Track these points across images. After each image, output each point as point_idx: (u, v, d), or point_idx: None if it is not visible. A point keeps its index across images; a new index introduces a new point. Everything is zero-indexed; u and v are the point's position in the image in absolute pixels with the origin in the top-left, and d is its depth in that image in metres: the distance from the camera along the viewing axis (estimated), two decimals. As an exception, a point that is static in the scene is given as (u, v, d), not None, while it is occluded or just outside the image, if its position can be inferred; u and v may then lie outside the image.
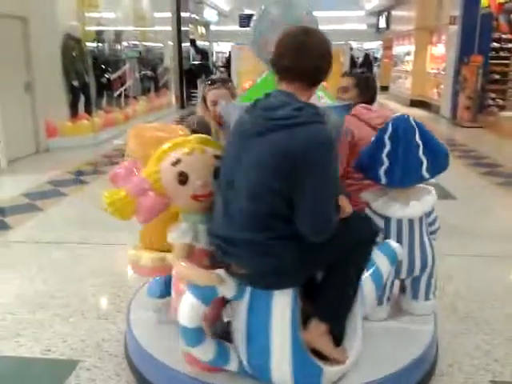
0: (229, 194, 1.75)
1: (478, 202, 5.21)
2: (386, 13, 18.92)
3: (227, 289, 1.81)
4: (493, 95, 11.17)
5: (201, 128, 2.52)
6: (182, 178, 1.89)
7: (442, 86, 12.36)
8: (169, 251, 2.20)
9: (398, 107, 13.94)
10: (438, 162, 2.25)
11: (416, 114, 11.50)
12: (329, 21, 18.41)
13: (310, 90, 1.76)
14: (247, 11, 17.98)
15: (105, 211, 1.97)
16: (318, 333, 1.88)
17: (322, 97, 2.19)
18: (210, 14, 20.05)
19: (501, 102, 11.15)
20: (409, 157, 2.18)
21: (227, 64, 20.87)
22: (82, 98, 8.39)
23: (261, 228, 1.69)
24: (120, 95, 10.49)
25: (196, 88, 14.44)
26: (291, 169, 1.61)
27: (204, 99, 2.72)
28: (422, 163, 2.19)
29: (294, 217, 1.67)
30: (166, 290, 2.48)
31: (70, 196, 5.29)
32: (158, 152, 1.97)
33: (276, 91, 1.75)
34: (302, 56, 1.67)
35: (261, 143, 1.65)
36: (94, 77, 8.90)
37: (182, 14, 15.20)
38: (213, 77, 2.83)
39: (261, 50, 2.21)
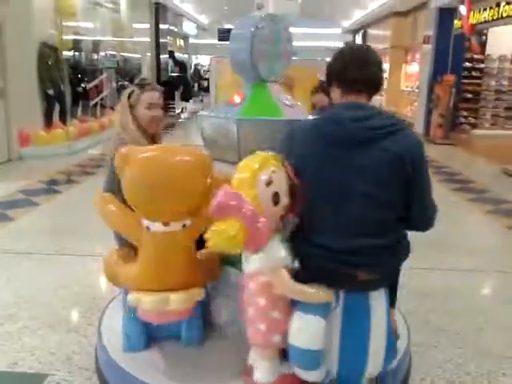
0: (340, 205, 1.74)
1: (450, 217, 5.29)
2: (362, 31, 19.29)
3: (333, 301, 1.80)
4: (465, 113, 11.47)
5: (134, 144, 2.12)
6: (276, 199, 1.77)
7: (415, 104, 12.63)
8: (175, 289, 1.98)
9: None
10: None
11: (391, 130, 11.62)
12: (307, 37, 18.70)
13: (370, 100, 1.85)
14: (226, 25, 18.10)
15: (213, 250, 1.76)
16: (392, 318, 1.97)
17: None
18: (189, 27, 20.12)
19: (472, 120, 11.46)
20: None
21: (194, 75, 20.95)
22: (57, 107, 8.28)
23: (388, 232, 1.75)
24: (96, 105, 10.41)
25: (173, 99, 14.42)
26: (408, 170, 1.70)
27: (131, 106, 2.28)
28: None
29: (410, 214, 1.77)
30: (148, 336, 2.26)
31: (42, 205, 5.19)
32: (247, 174, 1.79)
33: (352, 103, 1.79)
34: (368, 67, 1.78)
35: (368, 152, 1.69)
36: (69, 86, 8.78)
37: (161, 26, 15.23)
38: (137, 81, 2.53)
39: (255, 62, 2.25)
